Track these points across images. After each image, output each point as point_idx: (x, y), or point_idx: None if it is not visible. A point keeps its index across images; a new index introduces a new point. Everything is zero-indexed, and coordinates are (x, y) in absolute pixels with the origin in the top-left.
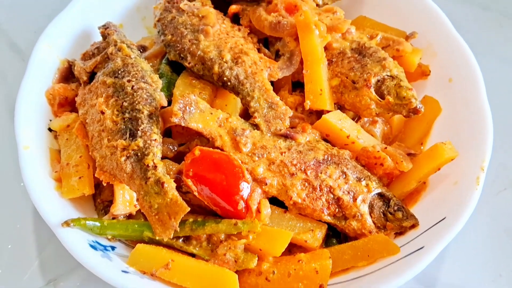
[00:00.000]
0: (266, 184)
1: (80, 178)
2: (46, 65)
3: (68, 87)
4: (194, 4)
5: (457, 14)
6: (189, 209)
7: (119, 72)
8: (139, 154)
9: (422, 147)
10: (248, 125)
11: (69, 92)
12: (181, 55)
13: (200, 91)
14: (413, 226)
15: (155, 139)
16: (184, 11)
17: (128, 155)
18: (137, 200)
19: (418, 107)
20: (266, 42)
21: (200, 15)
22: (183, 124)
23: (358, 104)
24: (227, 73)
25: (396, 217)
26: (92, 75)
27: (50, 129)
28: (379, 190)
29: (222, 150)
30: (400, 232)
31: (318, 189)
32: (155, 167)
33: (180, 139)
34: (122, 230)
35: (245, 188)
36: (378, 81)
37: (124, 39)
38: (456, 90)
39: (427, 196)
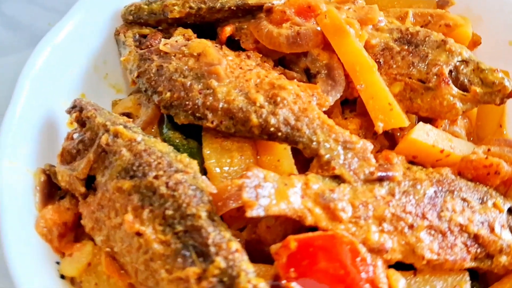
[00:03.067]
0: (387, 250)
1: None
2: (18, 189)
3: (61, 208)
4: (176, 41)
5: None
6: None
7: (134, 168)
8: (225, 279)
9: (504, 131)
10: (330, 181)
11: (65, 215)
12: (196, 114)
13: (240, 154)
14: None
15: (237, 249)
16: (168, 54)
17: (210, 285)
18: None
19: None
20: (283, 64)
21: (195, 53)
22: (262, 215)
23: (438, 108)
24: (272, 121)
25: None
26: (89, 180)
27: (62, 276)
28: (509, 205)
29: (316, 227)
30: None
31: (449, 232)
32: None
33: (237, 224)
34: None
35: (366, 267)
36: (451, 71)
37: (111, 117)
38: None
39: None
